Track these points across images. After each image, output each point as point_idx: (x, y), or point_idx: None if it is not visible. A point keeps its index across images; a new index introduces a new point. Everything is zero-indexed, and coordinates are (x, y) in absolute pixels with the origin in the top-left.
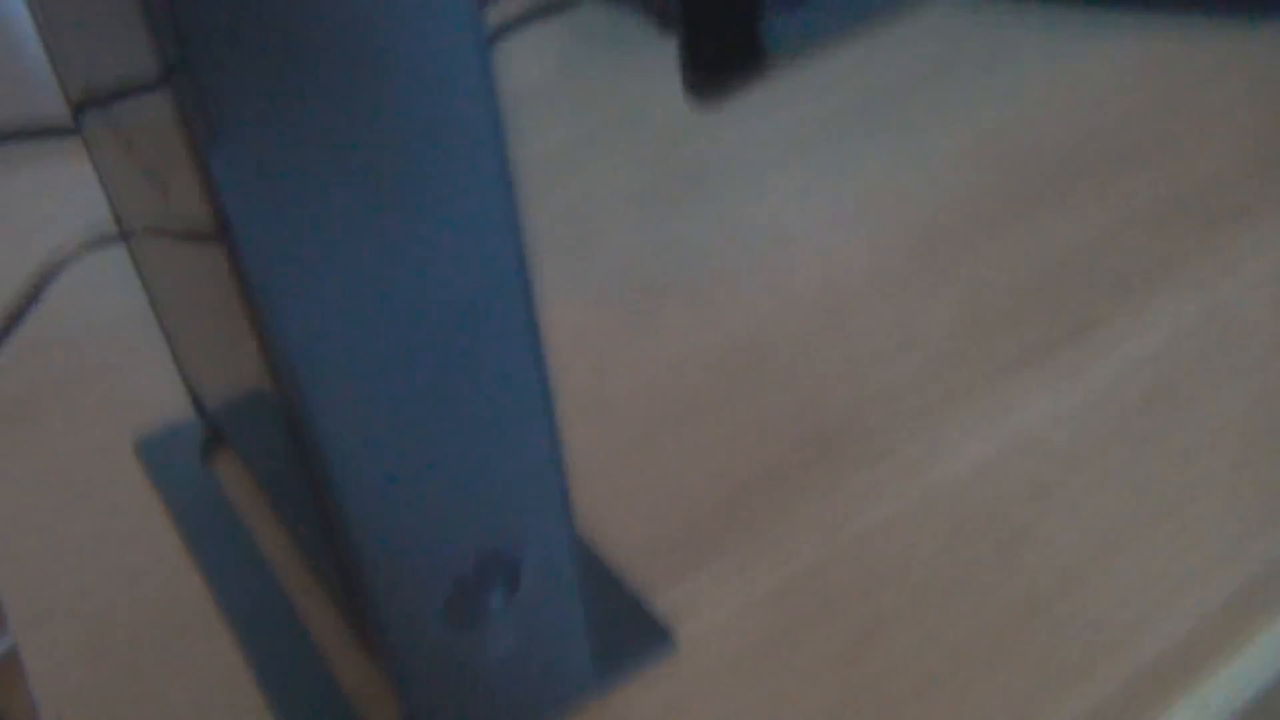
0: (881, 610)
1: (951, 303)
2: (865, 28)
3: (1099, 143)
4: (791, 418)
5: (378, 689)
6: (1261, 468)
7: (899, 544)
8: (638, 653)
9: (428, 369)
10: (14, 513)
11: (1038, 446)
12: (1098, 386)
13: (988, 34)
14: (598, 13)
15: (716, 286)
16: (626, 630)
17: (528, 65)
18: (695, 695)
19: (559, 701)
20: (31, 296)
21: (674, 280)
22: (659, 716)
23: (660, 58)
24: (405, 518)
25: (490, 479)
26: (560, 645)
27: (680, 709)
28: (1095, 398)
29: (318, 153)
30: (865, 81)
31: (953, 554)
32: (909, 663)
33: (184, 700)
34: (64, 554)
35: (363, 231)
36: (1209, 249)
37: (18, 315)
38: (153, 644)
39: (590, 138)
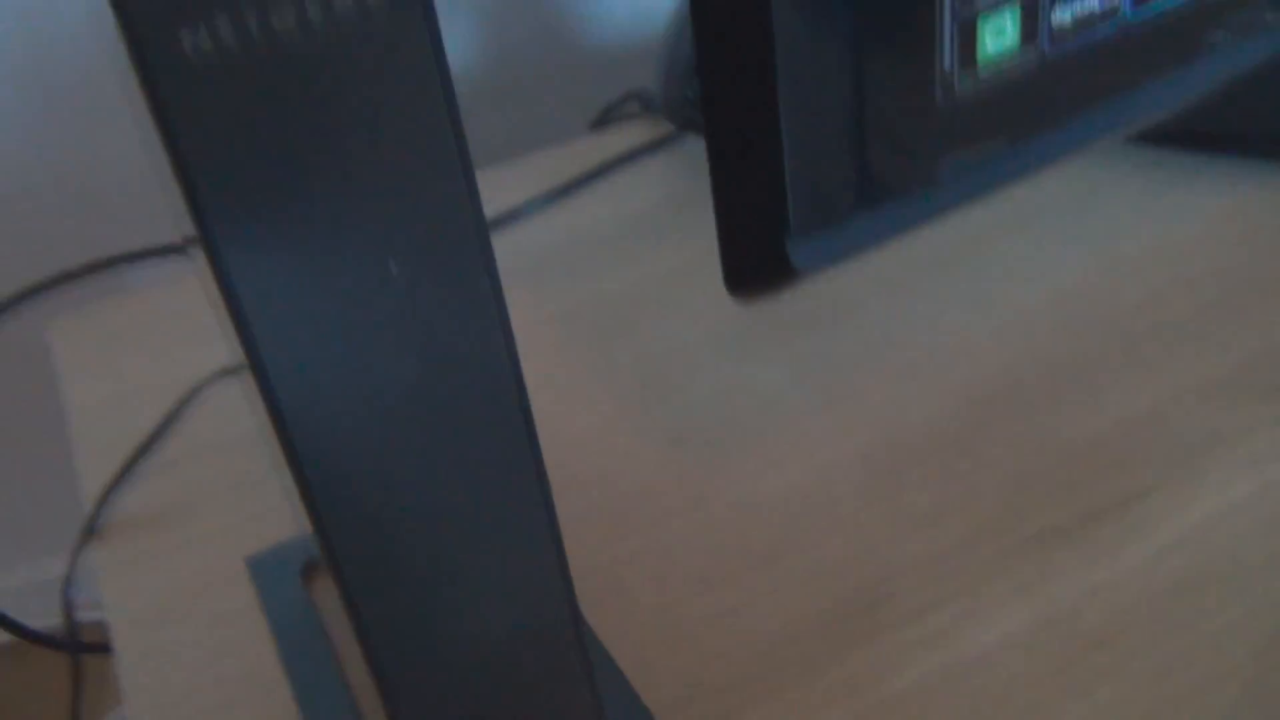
0: None
1: (1003, 466)
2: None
3: (1178, 300)
4: (835, 574)
5: None
6: (1273, 677)
7: (925, 711)
8: None
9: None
10: (140, 613)
11: (1066, 624)
12: (1134, 564)
13: (1084, 175)
14: (700, 146)
15: (782, 435)
16: None
17: (635, 196)
18: None
19: None
20: (170, 417)
21: (742, 424)
22: None
23: None
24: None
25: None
26: None
27: None
28: (1127, 577)
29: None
30: (951, 225)
31: None
32: None
33: None
34: (180, 655)
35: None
36: (1259, 424)
37: (156, 435)
38: None
39: (685, 270)
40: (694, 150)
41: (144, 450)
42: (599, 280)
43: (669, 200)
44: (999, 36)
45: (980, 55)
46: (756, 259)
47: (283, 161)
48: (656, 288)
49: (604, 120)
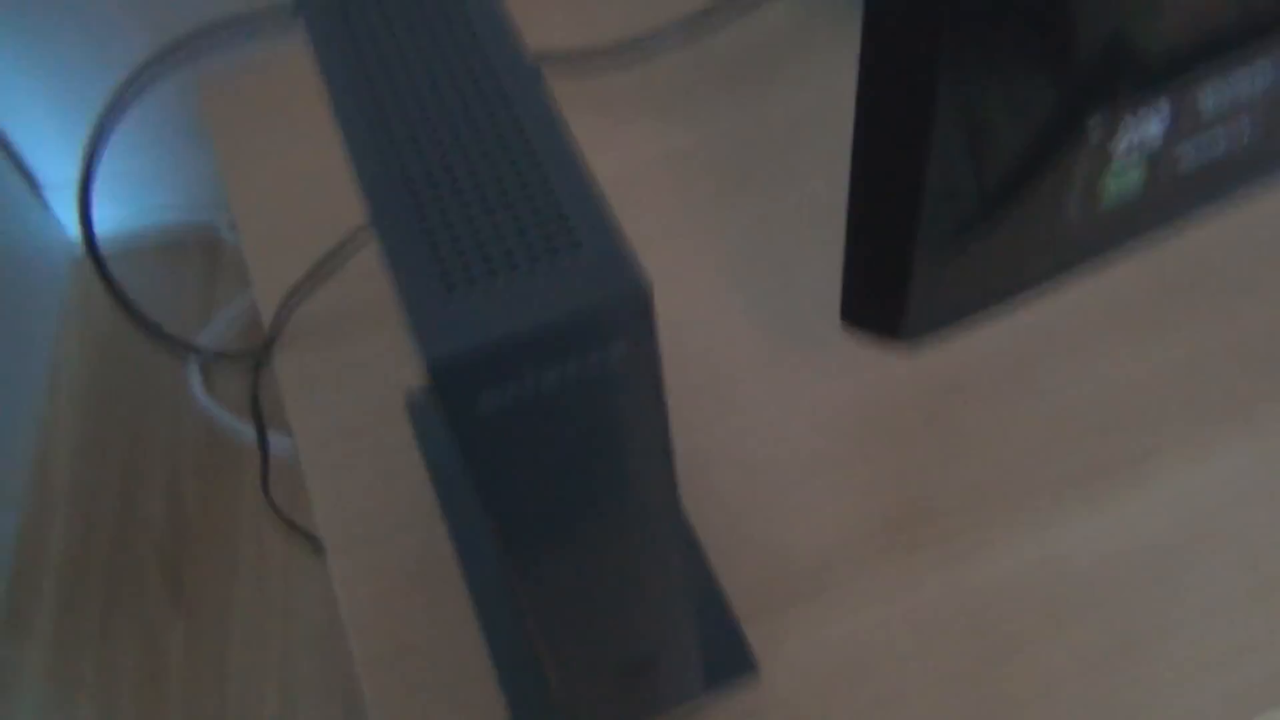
0: (905, 678)
1: (1048, 403)
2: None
3: (1233, 259)
4: (893, 484)
5: None
6: (1230, 621)
7: (931, 621)
8: (732, 673)
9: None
10: (320, 433)
11: (1062, 566)
12: (1127, 519)
13: None
14: None
15: (847, 342)
16: (726, 653)
17: (765, 29)
18: (767, 712)
19: (673, 700)
20: (343, 244)
21: (820, 325)
22: None
23: None
24: (585, 643)
25: (641, 625)
26: (680, 680)
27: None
28: (1120, 528)
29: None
30: None
31: (965, 646)
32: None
33: (438, 629)
34: (356, 481)
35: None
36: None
37: (327, 259)
38: (420, 573)
39: (810, 119)
40: None
41: (315, 272)
42: (724, 120)
43: (801, 35)
44: (1120, 183)
45: (1104, 196)
46: (873, 317)
47: (558, 477)
48: (782, 134)
49: None
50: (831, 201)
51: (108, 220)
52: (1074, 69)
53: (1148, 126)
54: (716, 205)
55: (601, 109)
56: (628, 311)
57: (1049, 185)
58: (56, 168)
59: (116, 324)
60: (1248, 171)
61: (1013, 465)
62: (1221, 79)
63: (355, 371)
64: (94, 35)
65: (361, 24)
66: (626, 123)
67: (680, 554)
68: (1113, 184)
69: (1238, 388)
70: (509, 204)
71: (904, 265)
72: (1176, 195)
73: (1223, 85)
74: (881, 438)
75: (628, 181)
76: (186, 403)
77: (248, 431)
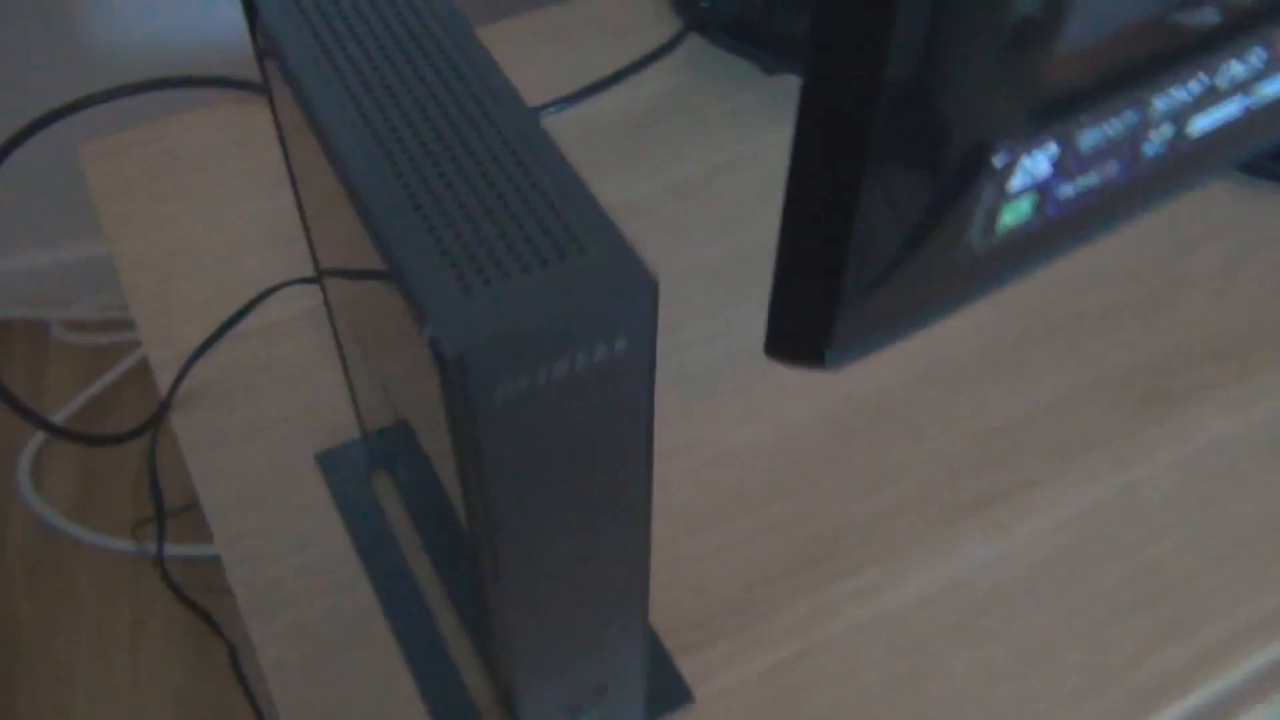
0: (832, 699)
1: (936, 442)
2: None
3: (1095, 296)
4: (800, 523)
5: (496, 703)
6: (1120, 631)
7: (853, 650)
8: (669, 705)
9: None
10: (226, 501)
11: (965, 591)
12: (1019, 544)
13: None
14: (706, 49)
15: (759, 383)
16: (662, 688)
17: (634, 97)
18: None
19: None
20: (244, 310)
21: (728, 375)
22: None
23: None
24: (550, 670)
25: (602, 652)
26: (624, 709)
27: None
28: (1014, 553)
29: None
30: None
31: (884, 668)
32: None
33: (366, 683)
34: (272, 547)
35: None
36: (1133, 429)
37: (226, 327)
38: (343, 631)
39: (685, 188)
40: (695, 51)
41: (213, 340)
42: (602, 185)
43: (667, 102)
44: (1015, 215)
45: (999, 228)
46: (796, 349)
47: (560, 464)
48: (659, 201)
49: None
50: (720, 266)
51: None
52: (974, 112)
53: (1038, 164)
54: None
55: None
56: (636, 306)
57: (954, 220)
58: None
59: None
60: (1119, 207)
61: (911, 498)
62: (1097, 123)
63: (259, 434)
64: None
65: (327, 34)
66: None
67: (647, 561)
68: (1008, 216)
69: (1100, 423)
70: (511, 212)
71: (830, 296)
72: (1063, 229)
73: (1098, 128)
74: (789, 476)
75: None
76: (12, 503)
77: (79, 531)
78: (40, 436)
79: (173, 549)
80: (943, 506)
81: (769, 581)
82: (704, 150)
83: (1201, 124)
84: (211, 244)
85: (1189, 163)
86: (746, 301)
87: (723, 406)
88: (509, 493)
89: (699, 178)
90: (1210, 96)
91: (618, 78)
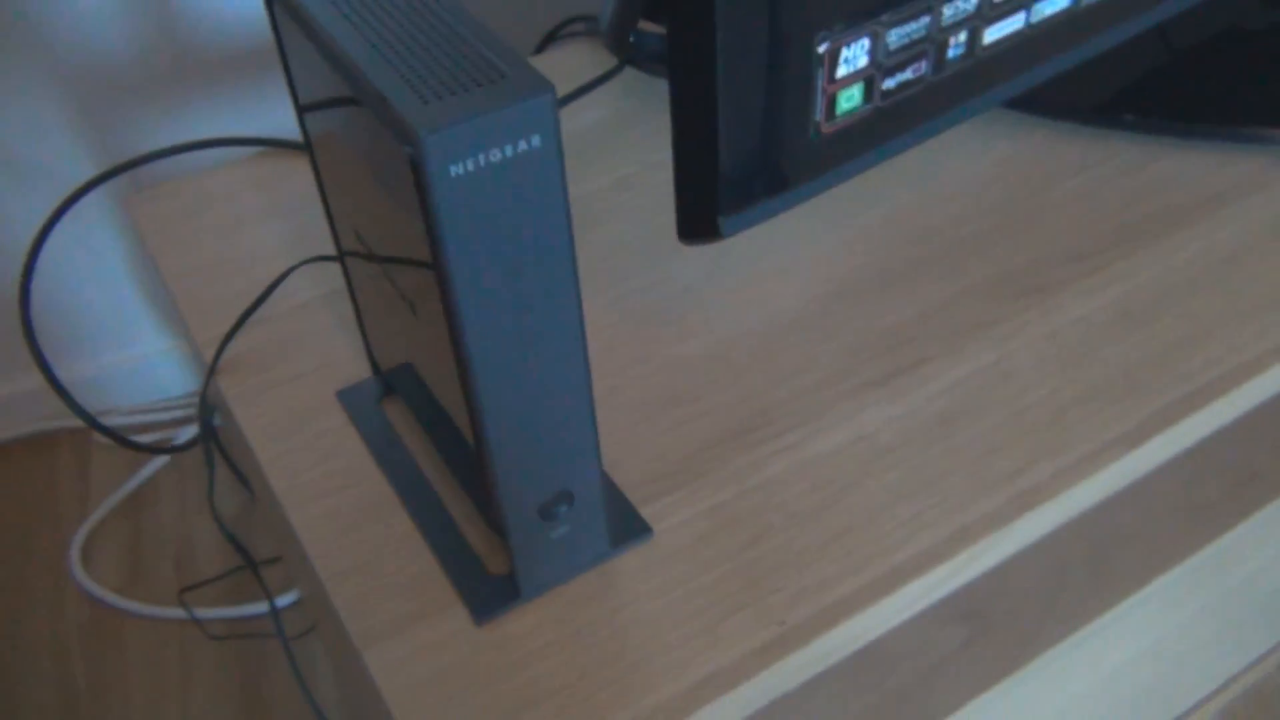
0: (767, 524)
1: (844, 340)
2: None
3: (968, 224)
4: (733, 406)
5: (492, 548)
6: (1000, 456)
7: (781, 487)
8: (633, 537)
9: (541, 407)
10: (267, 429)
11: (871, 439)
12: (916, 403)
13: None
14: (641, 79)
15: (693, 313)
16: (626, 525)
17: (585, 119)
18: (662, 560)
19: (589, 561)
20: (271, 286)
21: (668, 309)
22: (641, 568)
23: None
24: (523, 475)
25: (561, 456)
26: (591, 531)
27: (654, 566)
28: (912, 410)
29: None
30: None
31: (808, 497)
32: (777, 552)
33: (387, 544)
34: (305, 459)
35: (514, 329)
36: (1009, 315)
37: (259, 301)
38: (365, 510)
39: (619, 186)
40: (631, 81)
41: (249, 312)
42: None
43: (611, 120)
44: (849, 101)
45: (838, 110)
46: (699, 225)
47: (499, 237)
48: (606, 192)
49: (548, 40)
50: (656, 236)
51: None
52: (795, 6)
53: (856, 55)
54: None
55: None
56: (543, 104)
57: (798, 101)
58: None
59: None
60: (941, 107)
61: (825, 380)
62: (899, 23)
63: (289, 384)
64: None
65: None
66: None
67: (584, 355)
68: (844, 101)
69: (981, 313)
70: (452, 59)
71: (712, 172)
72: (895, 120)
73: (901, 28)
74: (723, 374)
75: None
76: (66, 586)
77: (128, 604)
78: (88, 525)
79: (215, 611)
80: (852, 383)
81: (709, 447)
82: (641, 152)
83: (991, 34)
84: (239, 255)
85: (990, 70)
86: (678, 258)
87: (664, 331)
88: (466, 262)
89: (637, 173)
90: (994, 10)
91: (564, 102)
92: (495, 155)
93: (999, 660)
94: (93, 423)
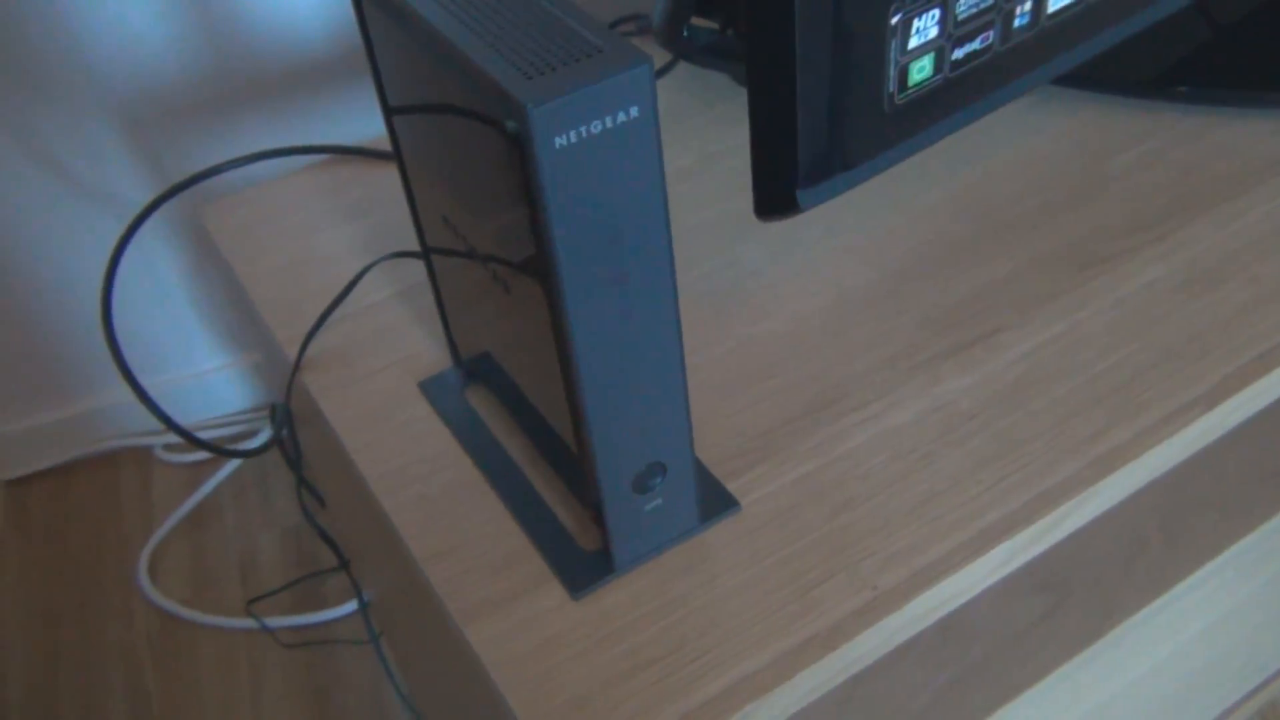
0: (852, 493)
1: (914, 314)
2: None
3: (1029, 199)
4: (810, 382)
5: (583, 525)
6: (1078, 420)
7: (864, 458)
8: (720, 510)
9: (637, 384)
10: (353, 420)
11: (949, 408)
12: (991, 372)
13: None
14: (694, 74)
15: (763, 294)
16: (713, 500)
17: None
18: (750, 532)
19: (680, 535)
20: (351, 284)
21: (738, 291)
22: (730, 540)
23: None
24: (619, 446)
25: (655, 426)
26: (682, 503)
27: (743, 538)
28: (987, 379)
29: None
30: None
31: (889, 466)
32: (864, 520)
33: (478, 525)
34: (392, 448)
35: (616, 312)
36: (1077, 285)
37: (340, 298)
38: (455, 494)
39: (682, 174)
40: (684, 76)
41: (331, 309)
42: None
43: (667, 115)
44: (920, 72)
45: (910, 82)
46: (777, 200)
47: (601, 206)
48: (669, 183)
49: None
50: (721, 222)
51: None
52: None
53: (927, 26)
54: None
55: None
56: (641, 75)
57: (872, 73)
58: None
59: (51, 542)
60: (1008, 75)
61: (900, 353)
62: None
63: (372, 378)
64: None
65: None
66: None
67: (678, 336)
68: (916, 73)
69: (1050, 284)
70: (550, 38)
71: (790, 148)
72: (965, 89)
73: None
74: (800, 351)
75: None
76: (135, 599)
77: (196, 615)
78: (153, 541)
79: (286, 619)
80: (926, 355)
81: (789, 422)
82: (698, 144)
83: (1055, 3)
84: (313, 258)
85: (1054, 39)
86: (744, 242)
87: (736, 312)
88: (569, 232)
89: (696, 163)
90: None
91: None
92: (596, 126)
93: (1079, 631)
94: (183, 433)
